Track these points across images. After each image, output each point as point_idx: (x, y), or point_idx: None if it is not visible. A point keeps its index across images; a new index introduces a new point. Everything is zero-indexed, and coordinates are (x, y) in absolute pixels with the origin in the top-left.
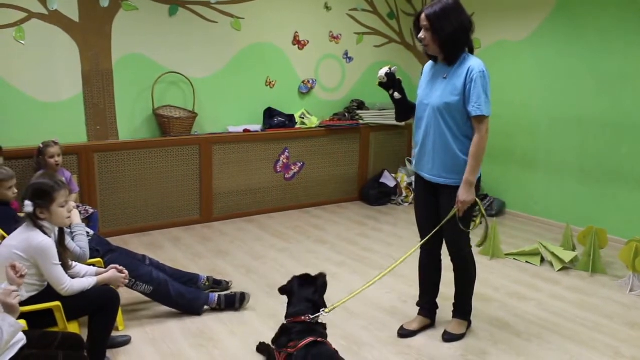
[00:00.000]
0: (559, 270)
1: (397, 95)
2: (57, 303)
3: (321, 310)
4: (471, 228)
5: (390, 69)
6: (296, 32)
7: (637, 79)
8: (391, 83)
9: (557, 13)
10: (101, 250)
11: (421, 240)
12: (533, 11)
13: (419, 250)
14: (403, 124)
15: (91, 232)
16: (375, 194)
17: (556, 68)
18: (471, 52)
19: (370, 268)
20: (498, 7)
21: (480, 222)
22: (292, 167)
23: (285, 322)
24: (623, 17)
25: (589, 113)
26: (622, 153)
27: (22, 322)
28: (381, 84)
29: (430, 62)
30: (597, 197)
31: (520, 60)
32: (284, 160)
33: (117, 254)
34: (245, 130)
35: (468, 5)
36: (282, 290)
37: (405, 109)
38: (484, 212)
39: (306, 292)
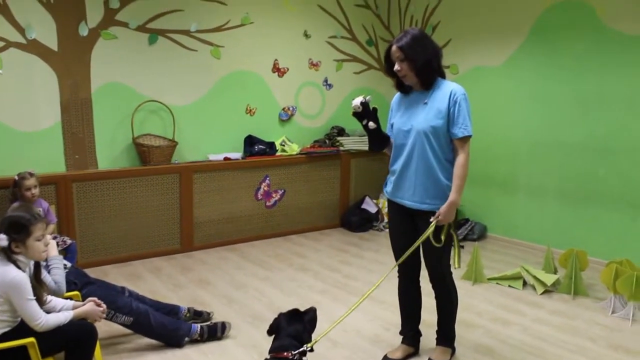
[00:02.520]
0: (541, 294)
1: (372, 124)
2: (32, 339)
3: (304, 345)
4: (442, 243)
5: (364, 98)
6: (276, 60)
7: (612, 102)
8: (365, 113)
9: (532, 38)
10: (79, 283)
11: (400, 268)
12: (509, 37)
13: (397, 279)
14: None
15: (68, 265)
16: (357, 220)
17: (533, 92)
18: (442, 77)
19: (352, 295)
20: (474, 33)
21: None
22: (273, 195)
23: (267, 357)
24: (597, 41)
25: (567, 136)
26: (600, 176)
27: None
28: (355, 114)
29: (398, 94)
30: (577, 220)
31: (498, 85)
32: (265, 188)
33: (95, 286)
34: (226, 158)
35: (445, 32)
36: (269, 330)
37: (380, 138)
38: (454, 232)
39: (292, 328)
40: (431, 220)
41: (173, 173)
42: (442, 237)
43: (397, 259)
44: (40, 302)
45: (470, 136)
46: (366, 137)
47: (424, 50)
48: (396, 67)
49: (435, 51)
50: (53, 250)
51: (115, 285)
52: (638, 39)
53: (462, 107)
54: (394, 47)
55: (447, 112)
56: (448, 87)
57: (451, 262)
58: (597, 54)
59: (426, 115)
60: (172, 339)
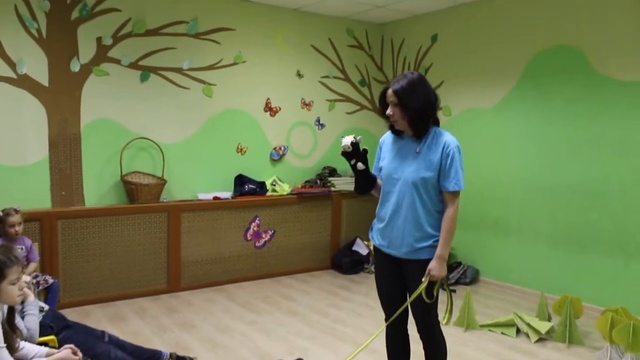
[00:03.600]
0: (535, 342)
1: (360, 165)
2: None
3: None
4: (433, 299)
5: (355, 138)
6: (268, 99)
7: (603, 145)
8: (355, 153)
9: (524, 81)
10: (55, 327)
11: (387, 316)
12: (501, 79)
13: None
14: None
15: (45, 307)
16: (348, 262)
17: (525, 135)
18: (437, 125)
19: (341, 342)
20: (467, 75)
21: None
22: (263, 235)
23: None
24: (588, 86)
25: (560, 180)
26: (592, 220)
27: None
28: (344, 153)
29: (390, 135)
30: (570, 264)
31: (490, 127)
32: (255, 228)
33: (72, 330)
34: (215, 198)
35: (438, 74)
36: None
37: (368, 180)
38: (448, 288)
39: None
40: (423, 280)
41: (161, 212)
42: (434, 293)
43: (383, 304)
44: (12, 350)
45: (460, 190)
46: None
47: (419, 98)
48: (388, 111)
49: (431, 100)
50: (30, 295)
51: (95, 329)
52: (627, 84)
53: (455, 160)
54: (389, 90)
55: (438, 164)
56: (442, 139)
57: (440, 317)
58: (588, 98)
59: (418, 165)
60: None
